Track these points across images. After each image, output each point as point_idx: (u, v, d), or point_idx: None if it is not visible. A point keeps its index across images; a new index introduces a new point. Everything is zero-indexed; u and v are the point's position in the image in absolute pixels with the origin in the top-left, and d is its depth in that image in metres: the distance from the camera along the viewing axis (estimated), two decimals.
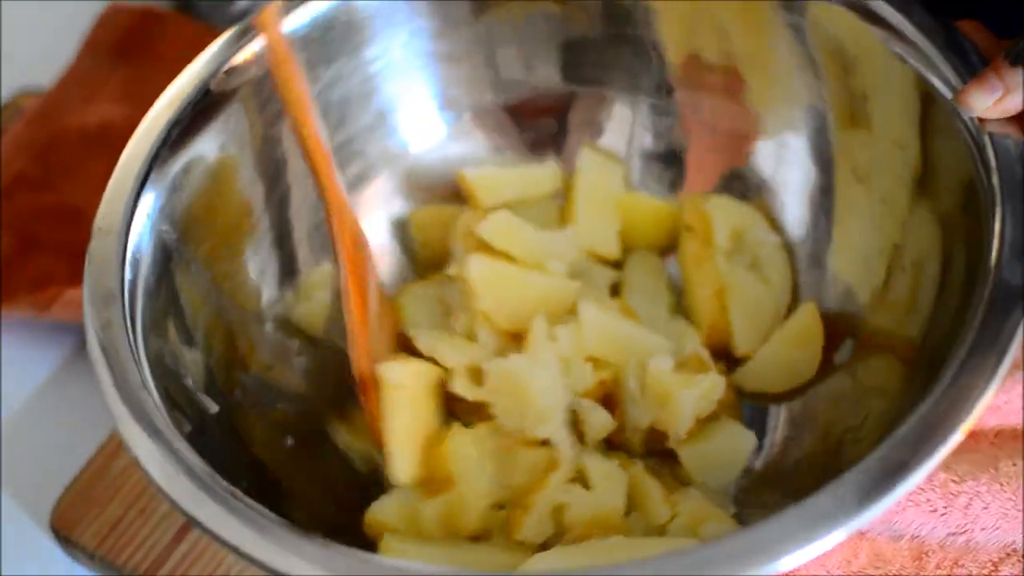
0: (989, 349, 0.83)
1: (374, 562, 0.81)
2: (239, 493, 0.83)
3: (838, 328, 1.10)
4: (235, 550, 0.80)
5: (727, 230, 1.14)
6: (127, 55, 1.56)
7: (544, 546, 1.01)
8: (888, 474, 0.78)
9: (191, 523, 0.82)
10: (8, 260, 1.36)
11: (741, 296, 1.12)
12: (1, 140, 1.46)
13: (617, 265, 1.20)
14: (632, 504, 1.03)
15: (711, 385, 1.04)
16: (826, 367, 1.09)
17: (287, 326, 1.14)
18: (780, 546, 0.76)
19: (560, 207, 1.22)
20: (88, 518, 1.13)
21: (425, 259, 1.22)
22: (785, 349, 1.10)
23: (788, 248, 1.15)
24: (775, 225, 1.16)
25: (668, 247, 1.20)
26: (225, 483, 0.84)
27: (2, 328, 1.32)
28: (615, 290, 1.18)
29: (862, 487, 0.77)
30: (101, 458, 1.17)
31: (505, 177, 1.22)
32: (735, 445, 1.06)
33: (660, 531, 1.00)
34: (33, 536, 1.17)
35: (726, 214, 1.15)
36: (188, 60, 1.09)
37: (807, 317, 1.09)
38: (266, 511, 0.82)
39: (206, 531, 0.82)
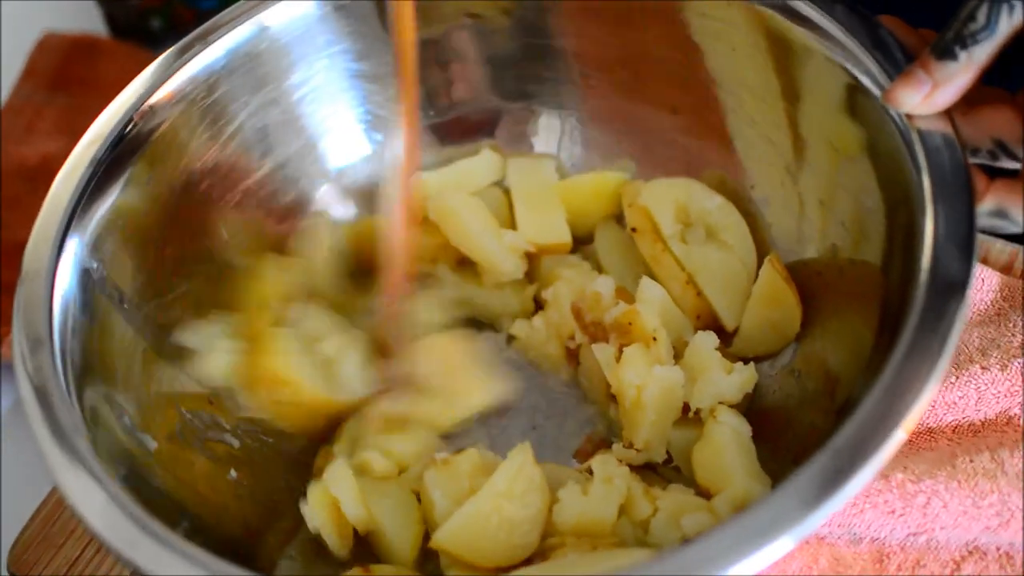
0: (926, 348, 0.82)
1: None
2: (176, 535, 0.82)
3: (812, 279, 1.09)
4: None
5: (670, 212, 1.14)
6: (63, 85, 1.56)
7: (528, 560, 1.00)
8: (830, 480, 0.77)
9: (129, 567, 0.81)
10: None
11: (709, 276, 1.12)
12: None
13: (587, 241, 1.22)
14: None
15: (749, 376, 1.06)
16: (810, 323, 1.09)
17: None
18: (727, 557, 0.75)
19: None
20: (45, 559, 1.11)
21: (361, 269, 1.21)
22: (763, 312, 1.10)
23: (737, 202, 1.16)
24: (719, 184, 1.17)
25: None
26: (162, 525, 0.82)
27: None
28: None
29: (805, 494, 0.77)
30: (56, 497, 1.15)
31: (442, 178, 1.23)
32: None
33: (644, 527, 1.00)
34: None
35: (662, 197, 1.15)
36: (124, 87, 1.08)
37: (770, 273, 1.09)
38: (204, 552, 0.81)
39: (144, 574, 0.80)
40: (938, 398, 1.03)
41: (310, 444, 1.12)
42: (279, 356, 1.09)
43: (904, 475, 0.97)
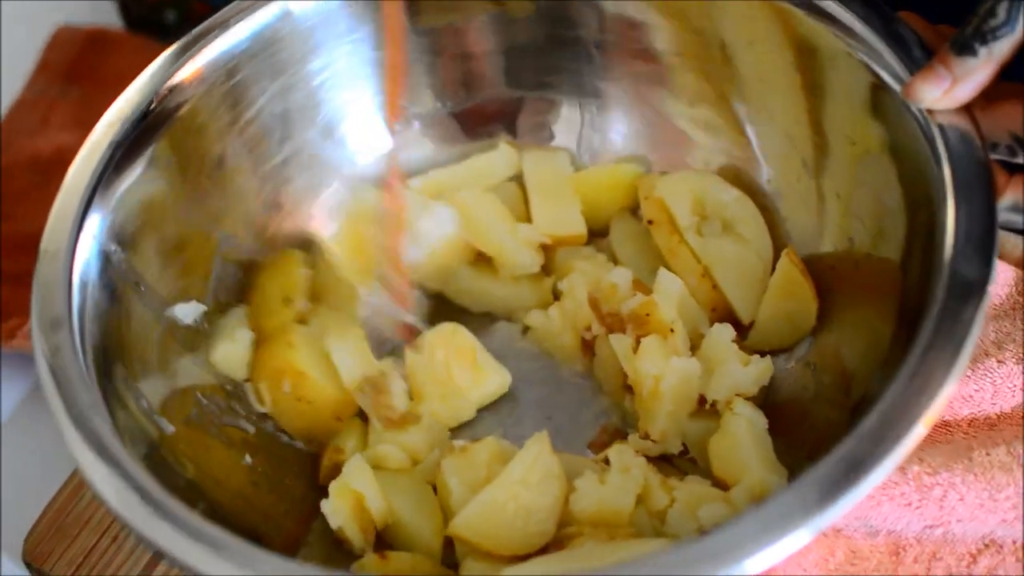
0: (946, 342, 0.82)
1: None
2: (195, 515, 0.82)
3: (828, 273, 1.09)
4: (193, 571, 0.79)
5: (687, 205, 1.14)
6: (78, 78, 1.56)
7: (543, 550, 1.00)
8: (848, 473, 0.77)
9: (147, 546, 0.82)
10: None
11: (725, 269, 1.12)
12: None
13: (603, 233, 1.22)
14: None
15: (766, 368, 1.07)
16: (826, 316, 1.09)
17: None
18: (744, 549, 0.75)
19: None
20: (60, 548, 1.11)
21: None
22: (779, 304, 1.10)
23: (754, 196, 1.15)
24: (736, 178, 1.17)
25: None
26: (181, 504, 0.82)
27: None
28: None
29: (822, 487, 0.77)
30: (71, 487, 1.15)
31: (458, 174, 1.23)
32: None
33: (661, 518, 1.00)
34: (6, 570, 1.15)
35: (679, 190, 1.15)
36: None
37: (786, 266, 1.09)
38: (222, 531, 0.81)
39: (164, 554, 0.80)
40: (954, 391, 1.03)
41: (311, 442, 1.12)
42: (298, 350, 1.10)
43: (920, 468, 0.97)
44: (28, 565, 1.11)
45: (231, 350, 1.12)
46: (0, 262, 1.37)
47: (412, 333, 1.15)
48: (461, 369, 1.14)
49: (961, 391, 1.03)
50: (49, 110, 1.53)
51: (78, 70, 1.56)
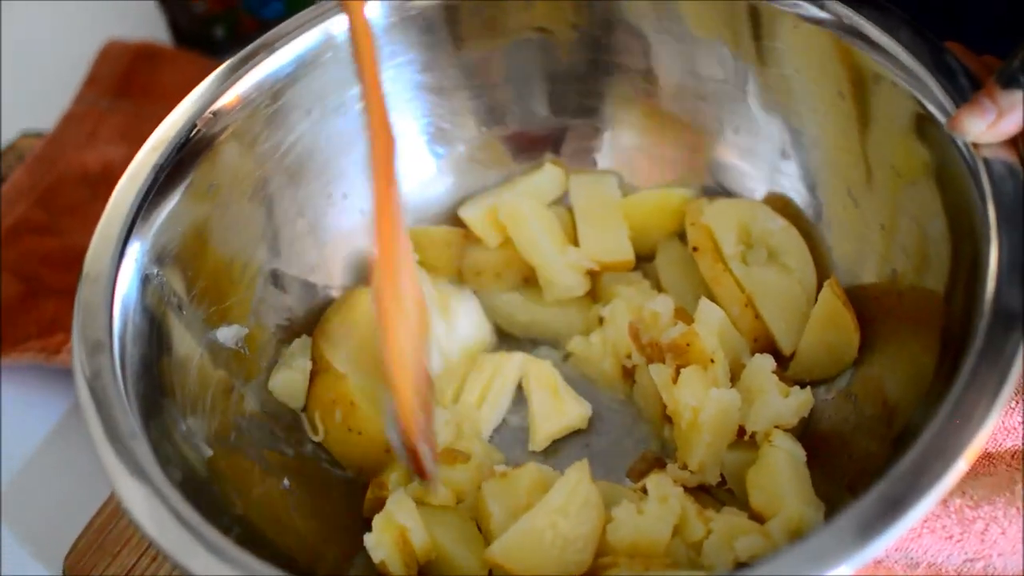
0: (988, 376, 0.81)
1: None
2: (229, 542, 0.82)
3: (870, 304, 1.09)
4: None
5: (733, 233, 1.14)
6: (126, 92, 1.56)
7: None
8: (887, 511, 0.77)
9: (182, 572, 0.82)
10: (13, 306, 1.35)
11: (768, 299, 1.12)
12: (2, 185, 1.45)
13: (649, 258, 1.22)
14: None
15: (806, 399, 1.06)
16: (868, 347, 1.08)
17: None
18: None
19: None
20: (101, 566, 1.11)
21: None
22: (821, 335, 1.09)
23: (799, 225, 1.15)
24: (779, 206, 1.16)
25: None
26: (216, 532, 0.83)
27: (8, 375, 1.31)
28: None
29: (861, 524, 0.77)
30: (113, 505, 1.15)
31: (505, 193, 1.23)
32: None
33: (697, 549, 0.99)
34: None
35: (726, 217, 1.15)
36: (187, 95, 1.09)
37: (829, 297, 1.08)
38: (257, 560, 0.81)
39: None
40: (998, 423, 1.02)
41: (361, 473, 1.12)
42: (351, 380, 1.10)
43: (963, 500, 0.96)
44: None
45: (288, 377, 1.13)
46: (48, 277, 1.37)
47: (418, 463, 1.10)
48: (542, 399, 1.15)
49: (1005, 423, 1.02)
50: (98, 124, 1.53)
51: (127, 85, 1.57)
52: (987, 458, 1.02)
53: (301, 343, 1.15)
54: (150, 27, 1.64)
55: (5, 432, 1.27)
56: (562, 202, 1.24)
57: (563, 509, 0.99)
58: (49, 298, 1.35)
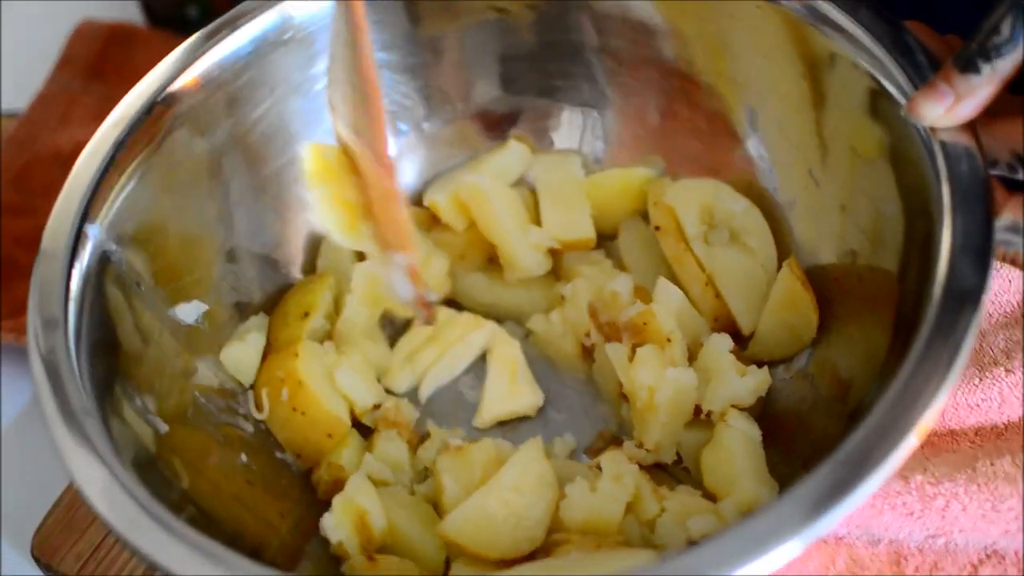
0: (940, 353, 0.82)
1: None
2: (178, 520, 0.82)
3: (830, 284, 1.09)
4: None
5: (695, 213, 1.14)
6: (100, 73, 1.56)
7: (531, 555, 1.00)
8: (838, 486, 0.77)
9: (129, 550, 0.82)
10: None
11: (729, 279, 1.12)
12: None
13: (612, 237, 1.22)
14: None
15: (763, 379, 1.06)
16: (826, 328, 1.09)
17: None
18: (732, 561, 0.75)
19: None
20: (68, 544, 1.11)
21: None
22: (779, 315, 1.09)
23: (761, 205, 1.15)
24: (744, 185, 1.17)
25: None
26: (166, 509, 0.83)
27: None
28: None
29: (811, 500, 0.77)
30: None
31: (469, 171, 1.23)
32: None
33: (650, 527, 1.00)
34: (15, 565, 1.16)
35: (688, 197, 1.14)
36: None
37: (788, 277, 1.08)
38: (207, 539, 0.81)
39: (145, 558, 0.80)
40: (961, 400, 1.03)
41: (300, 458, 1.12)
42: (302, 360, 1.10)
43: (924, 477, 0.97)
44: (36, 560, 1.11)
45: (240, 351, 1.12)
46: (21, 258, 1.37)
47: (429, 308, 1.15)
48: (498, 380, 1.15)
49: (968, 399, 1.03)
50: (71, 105, 1.53)
51: (100, 65, 1.57)
52: (950, 435, 1.03)
53: (257, 320, 1.15)
54: (123, 8, 1.64)
55: None
56: (525, 181, 1.24)
57: (516, 487, 1.00)
58: (22, 279, 1.34)
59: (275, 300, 1.17)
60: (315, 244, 1.20)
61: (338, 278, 1.18)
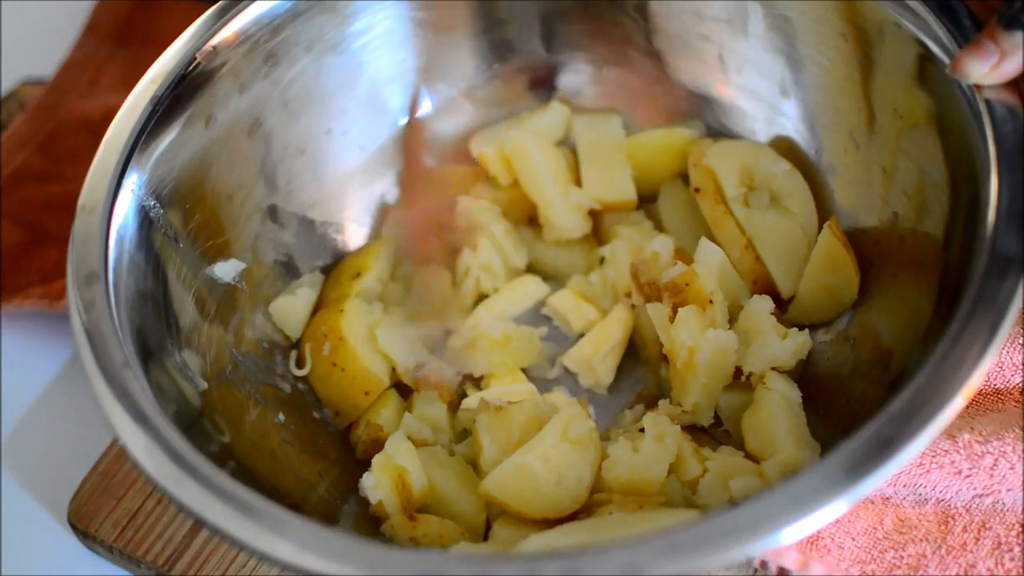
0: (983, 318, 0.81)
1: (358, 542, 0.79)
2: (220, 472, 0.82)
3: (871, 248, 1.08)
4: (217, 531, 0.79)
5: (735, 175, 1.13)
6: (126, 38, 1.56)
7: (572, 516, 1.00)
8: (879, 449, 0.77)
9: (174, 504, 0.81)
10: (15, 253, 1.34)
11: (769, 241, 1.11)
12: (2, 133, 1.45)
13: (652, 199, 1.21)
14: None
15: (804, 342, 1.05)
16: (867, 291, 1.08)
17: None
18: (773, 522, 0.75)
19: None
20: (105, 510, 1.11)
21: None
22: (820, 278, 1.09)
23: (802, 168, 1.14)
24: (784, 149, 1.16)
25: None
26: (209, 463, 0.82)
27: (10, 322, 1.30)
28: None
29: (853, 462, 0.77)
30: (117, 449, 1.14)
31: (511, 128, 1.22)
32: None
33: (692, 487, 1.00)
34: (51, 532, 1.15)
35: (728, 159, 1.14)
36: None
37: (829, 239, 1.07)
38: (249, 492, 0.81)
39: (189, 512, 0.80)
40: (1006, 360, 1.02)
41: (339, 415, 1.12)
42: (347, 316, 1.11)
43: (971, 436, 0.96)
44: (73, 527, 1.11)
45: (289, 304, 1.14)
46: (50, 224, 1.37)
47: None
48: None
49: (1014, 359, 1.02)
50: (98, 71, 1.53)
51: (127, 31, 1.56)
52: (996, 394, 1.03)
53: (311, 277, 1.17)
54: None
55: (7, 379, 1.26)
56: (567, 142, 1.24)
57: (557, 445, 0.99)
58: (51, 245, 1.35)
59: (312, 255, 1.19)
60: (352, 202, 1.21)
61: (399, 245, 1.19)
